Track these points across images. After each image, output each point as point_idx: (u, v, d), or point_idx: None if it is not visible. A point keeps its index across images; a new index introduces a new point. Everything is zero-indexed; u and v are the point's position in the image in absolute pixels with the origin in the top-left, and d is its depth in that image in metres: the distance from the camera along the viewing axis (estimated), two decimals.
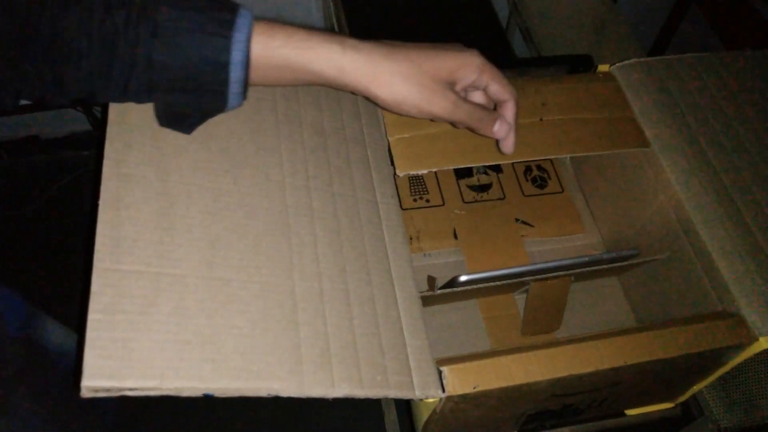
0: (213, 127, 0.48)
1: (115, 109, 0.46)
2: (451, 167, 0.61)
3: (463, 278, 0.58)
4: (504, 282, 0.61)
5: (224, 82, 0.42)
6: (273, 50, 0.43)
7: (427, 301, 0.56)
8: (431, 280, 0.71)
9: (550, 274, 0.63)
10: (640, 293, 0.72)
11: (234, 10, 0.41)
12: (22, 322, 0.76)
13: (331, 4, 1.11)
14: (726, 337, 0.52)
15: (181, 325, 0.39)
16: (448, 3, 1.14)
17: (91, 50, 0.40)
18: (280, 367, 0.41)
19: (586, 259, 0.62)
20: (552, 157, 0.73)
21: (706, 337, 0.52)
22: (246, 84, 0.43)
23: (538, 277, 0.63)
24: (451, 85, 0.46)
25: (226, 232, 0.44)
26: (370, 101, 0.46)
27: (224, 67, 0.41)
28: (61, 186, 1.46)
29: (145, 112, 0.46)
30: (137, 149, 0.44)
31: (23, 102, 0.43)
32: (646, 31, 1.58)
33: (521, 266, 0.61)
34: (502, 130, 0.49)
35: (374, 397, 0.44)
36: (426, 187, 0.80)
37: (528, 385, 0.47)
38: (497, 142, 0.50)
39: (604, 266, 0.65)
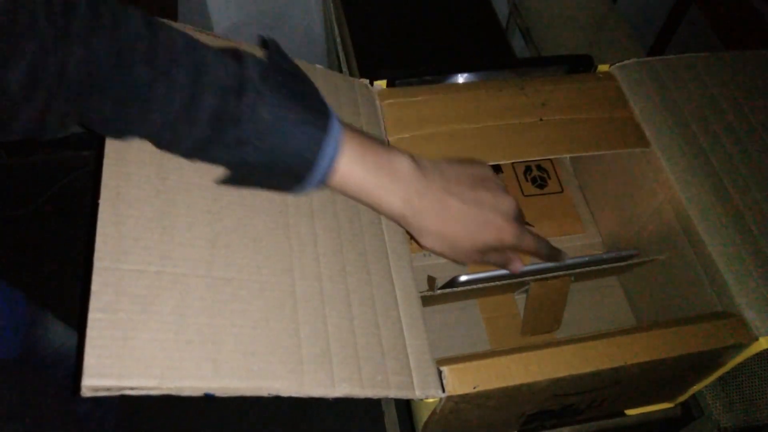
0: None
1: None
2: None
3: (463, 278, 0.58)
4: (504, 282, 0.60)
5: (303, 180, 0.44)
6: (350, 175, 0.45)
7: (427, 301, 0.56)
8: (431, 280, 0.71)
9: (550, 274, 0.63)
10: (640, 293, 0.72)
11: (327, 115, 0.43)
12: (23, 322, 0.76)
13: (331, 4, 1.11)
14: (726, 337, 0.52)
15: (181, 325, 0.39)
16: (448, 3, 1.14)
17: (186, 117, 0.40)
18: (281, 367, 0.41)
19: (586, 259, 0.62)
20: (552, 157, 0.73)
21: (706, 337, 0.52)
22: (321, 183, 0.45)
23: (538, 277, 0.63)
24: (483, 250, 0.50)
25: (227, 231, 0.44)
26: None
27: (310, 166, 0.43)
28: (61, 186, 1.46)
29: None
30: (137, 148, 0.44)
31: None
32: (646, 31, 1.58)
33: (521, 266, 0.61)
34: (518, 270, 0.54)
35: (374, 397, 0.44)
36: None
37: (528, 385, 0.47)
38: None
39: (604, 266, 0.65)
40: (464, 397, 0.47)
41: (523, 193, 0.81)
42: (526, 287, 0.66)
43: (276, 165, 0.42)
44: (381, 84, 0.63)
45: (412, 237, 0.50)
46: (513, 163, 0.83)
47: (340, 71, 0.97)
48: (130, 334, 0.37)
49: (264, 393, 0.39)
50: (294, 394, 0.40)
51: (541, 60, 0.94)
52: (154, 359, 0.37)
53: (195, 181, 0.45)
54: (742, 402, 0.73)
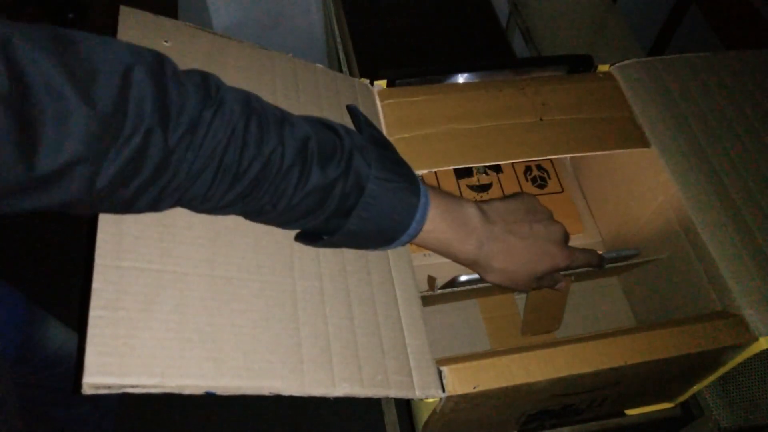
0: None
1: None
2: (451, 167, 0.61)
3: (463, 278, 0.58)
4: None
5: (394, 242, 0.47)
6: (434, 231, 0.48)
7: (427, 300, 0.56)
8: (431, 280, 0.71)
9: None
10: (640, 293, 0.72)
11: (416, 180, 0.47)
12: (22, 322, 0.76)
13: (331, 4, 1.11)
14: (726, 337, 0.52)
15: (182, 323, 0.39)
16: (448, 3, 1.14)
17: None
18: (282, 366, 0.41)
19: None
20: (552, 157, 0.73)
21: (706, 337, 0.52)
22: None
23: None
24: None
25: (227, 230, 0.44)
26: None
27: (404, 230, 0.46)
28: None
29: None
30: None
31: None
32: (646, 31, 1.58)
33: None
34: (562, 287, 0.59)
35: (375, 397, 0.44)
36: None
37: (528, 385, 0.47)
38: None
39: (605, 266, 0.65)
40: (464, 397, 0.47)
41: None
42: None
43: (375, 231, 0.45)
44: (381, 84, 0.63)
45: (478, 274, 0.54)
46: (513, 163, 0.83)
47: (340, 71, 0.97)
48: (131, 332, 0.37)
49: (265, 392, 0.39)
50: (294, 393, 0.40)
51: (541, 60, 0.94)
52: (155, 357, 0.37)
53: None
54: (742, 402, 0.73)
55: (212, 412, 1.23)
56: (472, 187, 0.81)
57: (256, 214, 0.43)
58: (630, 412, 0.70)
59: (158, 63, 0.36)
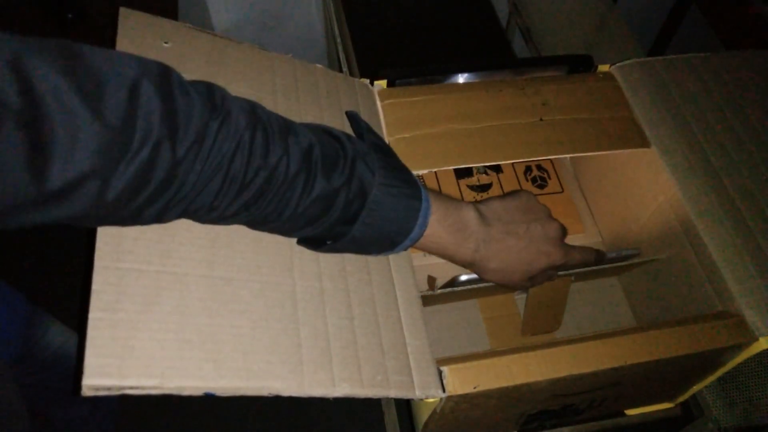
0: None
1: None
2: (451, 167, 0.61)
3: (463, 278, 0.58)
4: None
5: (396, 246, 0.48)
6: (433, 236, 0.48)
7: (427, 300, 0.56)
8: (431, 280, 0.71)
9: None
10: (640, 293, 0.72)
11: (418, 185, 0.47)
12: (23, 322, 0.76)
13: (331, 4, 1.11)
14: (726, 337, 0.52)
15: (182, 324, 0.39)
16: (448, 3, 1.14)
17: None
18: (281, 367, 0.41)
19: None
20: (552, 157, 0.73)
21: (706, 337, 0.52)
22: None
23: None
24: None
25: (227, 230, 0.44)
26: None
27: (407, 234, 0.47)
28: None
29: None
30: None
31: None
32: (646, 31, 1.58)
33: None
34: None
35: (375, 397, 0.44)
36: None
37: (528, 385, 0.47)
38: None
39: (604, 266, 0.65)
40: (464, 397, 0.47)
41: None
42: None
43: (378, 237, 0.45)
44: (381, 84, 0.63)
45: (475, 273, 0.54)
46: (513, 163, 0.83)
47: (340, 71, 0.97)
48: (130, 333, 0.37)
49: (264, 393, 0.39)
50: (294, 394, 0.40)
51: (541, 60, 0.94)
52: (154, 359, 0.37)
53: None
54: (742, 402, 0.73)
55: (212, 412, 1.23)
56: (472, 187, 0.81)
57: (260, 223, 0.43)
58: (630, 412, 0.70)
59: (164, 75, 0.36)
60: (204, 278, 0.41)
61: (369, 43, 1.02)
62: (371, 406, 1.22)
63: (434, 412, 0.49)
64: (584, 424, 0.71)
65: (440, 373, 0.46)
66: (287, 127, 0.42)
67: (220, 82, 0.42)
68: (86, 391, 0.34)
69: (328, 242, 0.46)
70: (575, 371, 0.48)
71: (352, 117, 0.53)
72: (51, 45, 0.32)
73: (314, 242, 0.47)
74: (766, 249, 0.56)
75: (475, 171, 0.82)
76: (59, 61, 0.32)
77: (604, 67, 0.69)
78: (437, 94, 0.63)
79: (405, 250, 0.48)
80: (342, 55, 1.01)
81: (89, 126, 0.32)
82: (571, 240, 0.78)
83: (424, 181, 0.80)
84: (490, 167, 0.82)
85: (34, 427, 0.82)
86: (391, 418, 0.99)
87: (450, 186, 0.80)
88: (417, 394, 0.45)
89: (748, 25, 1.20)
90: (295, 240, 0.47)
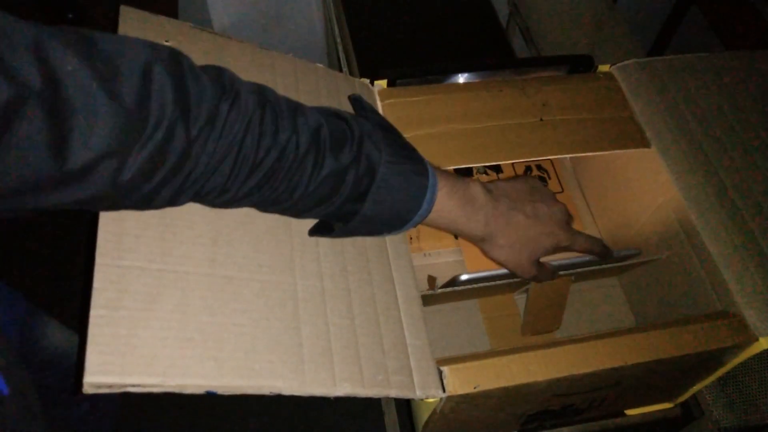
0: None
1: None
2: (451, 167, 0.61)
3: (464, 277, 0.58)
4: (504, 281, 0.61)
5: (406, 224, 0.48)
6: (442, 211, 0.49)
7: (427, 300, 0.56)
8: (431, 280, 0.71)
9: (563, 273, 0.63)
10: (640, 293, 0.72)
11: (424, 162, 0.48)
12: (22, 323, 0.76)
13: (331, 4, 1.11)
14: (726, 337, 0.52)
15: (183, 323, 0.39)
16: (448, 3, 1.14)
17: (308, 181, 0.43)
18: (282, 366, 0.41)
19: (586, 258, 0.62)
20: (552, 157, 0.73)
21: (706, 337, 0.52)
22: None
23: None
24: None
25: (228, 229, 0.44)
26: None
27: (416, 211, 0.47)
28: None
29: None
30: None
31: None
32: (646, 31, 1.58)
33: None
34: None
35: (375, 397, 0.44)
36: None
37: (528, 385, 0.47)
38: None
39: (604, 266, 0.65)
40: (465, 397, 0.47)
41: None
42: (526, 287, 0.66)
43: (388, 214, 0.46)
44: (381, 84, 0.63)
45: (481, 251, 0.54)
46: (513, 163, 0.83)
47: (340, 71, 0.97)
48: (132, 331, 0.37)
49: (266, 391, 0.39)
50: (295, 393, 0.40)
51: (541, 60, 0.94)
52: (156, 357, 0.37)
53: None
54: (742, 402, 0.73)
55: (211, 412, 1.23)
56: None
57: (272, 204, 0.44)
58: (630, 412, 0.70)
59: (175, 58, 0.37)
60: (205, 277, 0.41)
61: (369, 43, 1.02)
62: (371, 406, 1.22)
63: (434, 412, 0.49)
64: (584, 424, 0.71)
65: (440, 373, 0.46)
66: (295, 107, 0.43)
67: None
68: (87, 388, 0.34)
69: (339, 226, 0.46)
70: (575, 371, 0.48)
71: (356, 100, 0.54)
72: (67, 31, 0.33)
73: (325, 228, 0.48)
74: (766, 249, 0.56)
75: (475, 171, 0.82)
76: (76, 46, 0.33)
77: (604, 67, 0.69)
78: (437, 94, 0.63)
79: (415, 226, 0.49)
80: (342, 55, 1.01)
81: (106, 108, 0.33)
82: None
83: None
84: (490, 167, 0.82)
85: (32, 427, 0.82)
86: (391, 418, 0.99)
87: None
88: (417, 394, 0.45)
89: (748, 25, 1.20)
90: (295, 239, 0.47)
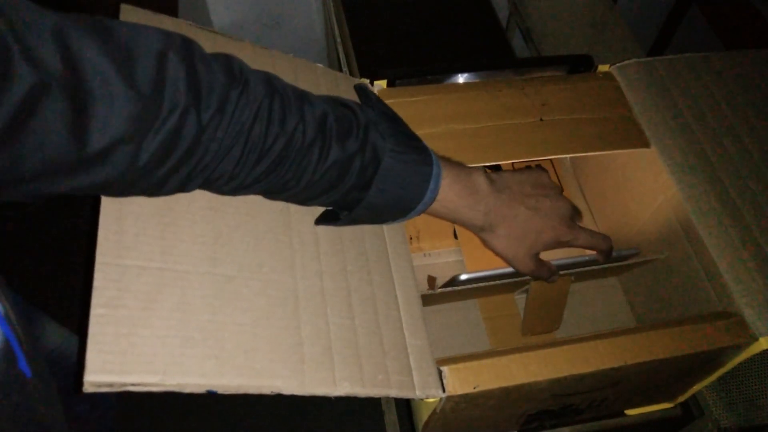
0: None
1: None
2: None
3: (464, 277, 0.58)
4: (504, 281, 0.61)
5: (410, 212, 0.49)
6: (445, 200, 0.49)
7: (427, 300, 0.56)
8: (431, 280, 0.71)
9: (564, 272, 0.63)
10: (640, 293, 0.72)
11: (428, 151, 0.48)
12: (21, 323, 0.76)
13: (331, 4, 1.11)
14: (726, 337, 0.52)
15: (183, 321, 0.39)
16: (448, 3, 1.14)
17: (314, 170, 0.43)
18: (283, 365, 0.41)
19: (586, 258, 0.62)
20: (552, 157, 0.73)
21: (706, 337, 0.52)
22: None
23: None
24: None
25: (228, 228, 0.44)
26: None
27: (420, 200, 0.47)
28: None
29: None
30: None
31: None
32: (646, 31, 1.59)
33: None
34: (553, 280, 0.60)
35: (375, 396, 0.44)
36: None
37: (528, 385, 0.47)
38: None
39: (604, 266, 0.65)
40: (464, 397, 0.47)
41: None
42: (526, 287, 0.66)
43: (392, 202, 0.46)
44: (381, 84, 0.63)
45: (481, 241, 0.54)
46: (513, 163, 0.83)
47: (340, 71, 0.97)
48: (132, 330, 0.37)
49: (266, 391, 0.39)
50: (296, 393, 0.40)
51: (541, 60, 0.94)
52: (156, 355, 0.37)
53: None
54: (742, 402, 0.73)
55: (211, 411, 1.23)
56: None
57: (279, 191, 0.44)
58: (630, 412, 0.70)
59: (187, 46, 0.38)
60: (206, 275, 0.41)
61: (369, 43, 1.02)
62: (371, 406, 1.22)
63: (434, 411, 0.49)
64: (584, 424, 0.71)
65: (440, 372, 0.46)
66: (302, 96, 0.44)
67: None
68: (88, 387, 0.34)
69: (345, 214, 0.47)
70: (575, 371, 0.48)
71: (361, 89, 0.55)
72: (86, 19, 0.34)
73: (331, 217, 0.48)
74: (766, 249, 0.56)
75: None
76: (94, 34, 0.34)
77: (604, 67, 0.69)
78: (437, 94, 0.63)
79: (419, 214, 0.49)
80: (342, 55, 1.01)
81: (123, 93, 0.34)
82: None
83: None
84: (490, 167, 0.82)
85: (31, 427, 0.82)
86: (391, 418, 0.99)
87: None
88: (417, 393, 0.45)
89: (748, 25, 1.20)
90: (295, 239, 0.47)
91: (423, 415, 0.52)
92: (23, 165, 0.33)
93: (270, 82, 0.42)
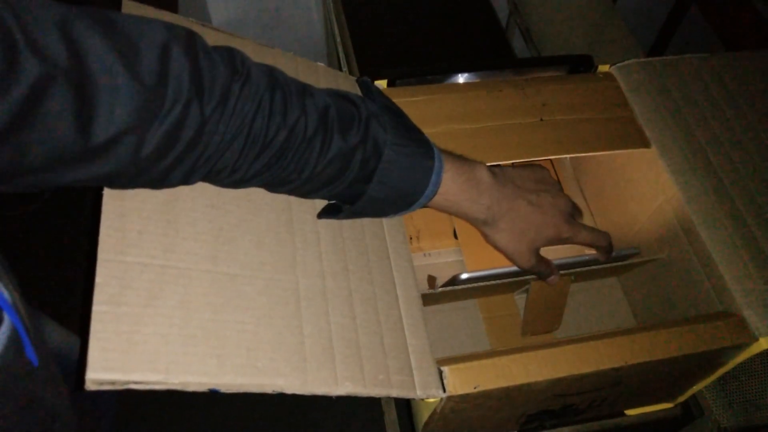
0: None
1: None
2: None
3: (464, 276, 0.58)
4: (504, 281, 0.61)
5: (412, 206, 0.49)
6: (448, 193, 0.49)
7: (427, 300, 0.56)
8: (431, 280, 0.71)
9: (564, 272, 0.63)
10: (640, 293, 0.72)
11: (430, 144, 0.48)
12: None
13: (331, 4, 1.11)
14: (726, 337, 0.52)
15: (186, 319, 0.39)
16: (448, 3, 1.14)
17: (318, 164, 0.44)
18: (285, 364, 0.41)
19: (586, 258, 0.62)
20: (552, 157, 0.73)
21: (706, 337, 0.52)
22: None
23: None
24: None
25: (230, 226, 0.44)
26: None
27: (422, 193, 0.48)
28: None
29: None
30: None
31: None
32: (646, 31, 1.59)
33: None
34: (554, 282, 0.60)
35: (376, 396, 0.44)
36: None
37: (528, 385, 0.47)
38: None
39: (604, 266, 0.65)
40: (465, 397, 0.47)
41: None
42: (526, 287, 0.66)
43: (394, 195, 0.47)
44: (381, 84, 0.63)
45: (482, 235, 0.54)
46: (513, 163, 0.83)
47: (340, 71, 0.97)
48: (134, 327, 0.37)
49: (268, 390, 0.39)
50: (298, 392, 0.40)
51: (541, 60, 0.94)
52: (158, 353, 0.37)
53: None
54: (742, 402, 0.73)
55: (211, 411, 1.23)
56: None
57: (281, 184, 0.45)
58: (630, 412, 0.70)
59: (190, 38, 0.38)
60: (208, 273, 0.41)
61: (369, 43, 1.02)
62: (371, 405, 1.22)
63: (434, 411, 0.49)
64: (584, 424, 0.71)
65: (440, 373, 0.46)
66: (304, 88, 0.44)
67: None
68: (90, 385, 0.34)
69: (347, 207, 0.47)
70: (575, 371, 0.48)
71: (364, 82, 0.55)
72: (91, 11, 0.35)
73: (333, 210, 0.48)
74: (766, 249, 0.56)
75: None
76: (99, 26, 0.34)
77: (604, 67, 0.69)
78: (437, 94, 0.63)
79: (421, 207, 0.49)
80: (342, 55, 1.01)
81: (128, 85, 0.34)
82: None
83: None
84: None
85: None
86: (391, 417, 0.99)
87: None
88: (418, 393, 0.45)
89: (748, 25, 1.20)
90: (297, 237, 0.47)
91: (423, 415, 0.52)
92: (29, 156, 0.33)
93: (272, 74, 0.42)
